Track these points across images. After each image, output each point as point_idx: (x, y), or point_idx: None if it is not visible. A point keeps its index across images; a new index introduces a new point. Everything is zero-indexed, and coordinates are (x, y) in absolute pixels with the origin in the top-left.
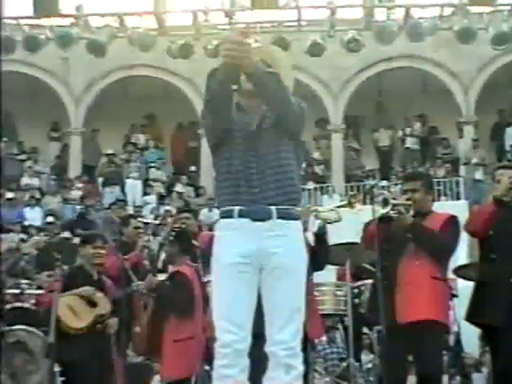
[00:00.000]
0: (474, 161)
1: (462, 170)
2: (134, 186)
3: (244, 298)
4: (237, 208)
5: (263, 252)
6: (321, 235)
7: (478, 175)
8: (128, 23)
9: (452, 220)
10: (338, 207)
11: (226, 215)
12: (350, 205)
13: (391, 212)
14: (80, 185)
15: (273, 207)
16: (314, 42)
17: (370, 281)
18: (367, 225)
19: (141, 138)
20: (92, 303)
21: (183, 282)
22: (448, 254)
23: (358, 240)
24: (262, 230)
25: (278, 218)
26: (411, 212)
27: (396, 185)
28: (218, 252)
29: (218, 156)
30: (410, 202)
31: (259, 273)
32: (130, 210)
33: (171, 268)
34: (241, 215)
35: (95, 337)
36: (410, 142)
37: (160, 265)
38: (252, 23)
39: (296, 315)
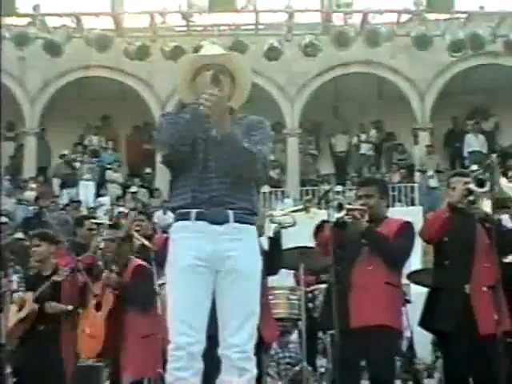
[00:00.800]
0: (430, 172)
1: (417, 176)
2: (86, 188)
3: (199, 301)
4: (194, 211)
5: (219, 255)
6: (275, 240)
7: (433, 182)
8: (85, 24)
9: (406, 226)
10: (293, 212)
11: (183, 217)
12: (306, 209)
13: (346, 217)
14: (34, 185)
15: (230, 211)
16: (271, 46)
17: (324, 285)
18: (318, 227)
19: (94, 140)
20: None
21: (147, 275)
22: (402, 260)
23: (311, 244)
24: (219, 233)
25: (235, 221)
26: (366, 217)
27: (351, 190)
28: (174, 254)
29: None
30: (364, 208)
31: (214, 276)
32: (84, 211)
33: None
34: (198, 218)
35: (40, 337)
36: (365, 149)
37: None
38: (209, 26)
39: (250, 319)
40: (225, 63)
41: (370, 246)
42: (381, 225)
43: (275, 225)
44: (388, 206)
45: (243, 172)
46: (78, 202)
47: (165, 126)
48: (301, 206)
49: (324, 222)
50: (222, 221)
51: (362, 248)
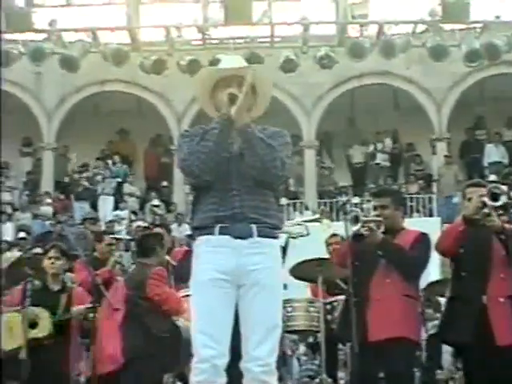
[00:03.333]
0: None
1: (435, 186)
2: (105, 202)
3: (223, 314)
4: (218, 225)
5: (242, 269)
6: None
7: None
8: (101, 38)
9: (422, 237)
10: (306, 221)
11: (206, 232)
12: (318, 220)
13: (362, 229)
14: (49, 200)
15: (253, 225)
16: (287, 58)
17: (343, 297)
18: (328, 241)
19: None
20: (34, 324)
21: None
22: (418, 272)
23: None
24: (242, 247)
25: (259, 236)
26: (382, 229)
27: (369, 201)
28: (197, 268)
29: None
30: (380, 219)
31: (237, 290)
32: (103, 226)
33: None
34: (221, 233)
35: (47, 351)
36: (380, 158)
37: None
38: (225, 39)
39: (273, 332)
40: (246, 75)
41: (385, 258)
42: (397, 236)
43: (284, 234)
44: (404, 217)
45: (263, 169)
46: (94, 218)
47: (188, 155)
48: (314, 217)
49: (334, 235)
50: (245, 235)
51: (378, 260)
